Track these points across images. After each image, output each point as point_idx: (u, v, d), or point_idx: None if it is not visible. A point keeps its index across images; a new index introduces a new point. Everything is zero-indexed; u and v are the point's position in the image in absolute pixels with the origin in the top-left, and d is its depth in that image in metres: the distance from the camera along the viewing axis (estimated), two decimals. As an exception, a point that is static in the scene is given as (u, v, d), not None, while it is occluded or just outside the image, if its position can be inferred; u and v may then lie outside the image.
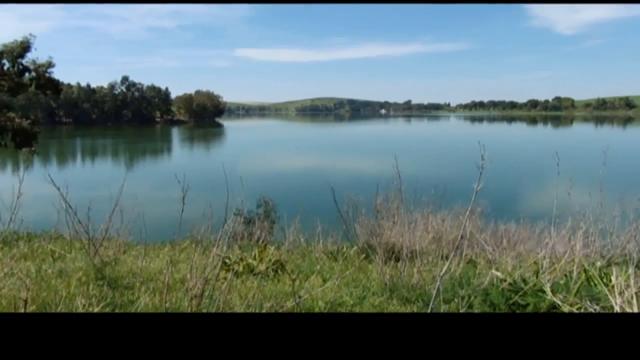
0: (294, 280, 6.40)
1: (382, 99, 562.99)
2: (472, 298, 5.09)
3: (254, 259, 7.35)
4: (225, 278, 5.43)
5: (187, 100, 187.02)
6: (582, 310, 4.73)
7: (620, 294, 4.61)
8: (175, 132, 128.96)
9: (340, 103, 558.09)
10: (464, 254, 6.45)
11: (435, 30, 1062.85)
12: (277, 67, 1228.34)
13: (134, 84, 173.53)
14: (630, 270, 5.21)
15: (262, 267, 6.99)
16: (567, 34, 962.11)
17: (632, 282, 4.44)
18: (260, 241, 10.56)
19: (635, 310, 4.28)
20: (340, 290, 5.66)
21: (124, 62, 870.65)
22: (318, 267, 7.35)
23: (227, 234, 5.11)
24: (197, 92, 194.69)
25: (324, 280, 6.31)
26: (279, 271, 7.04)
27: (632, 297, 4.34)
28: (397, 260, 6.72)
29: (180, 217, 5.20)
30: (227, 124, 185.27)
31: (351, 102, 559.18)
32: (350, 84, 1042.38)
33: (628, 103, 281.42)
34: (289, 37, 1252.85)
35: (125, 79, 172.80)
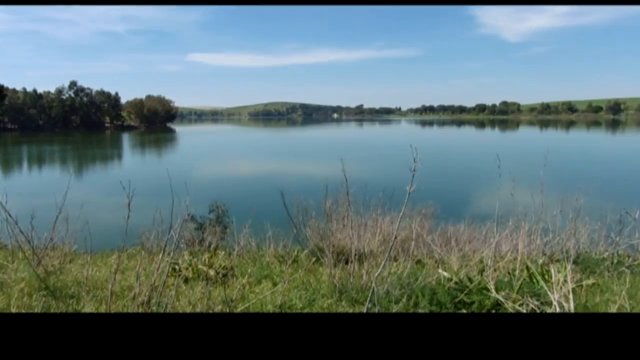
0: (243, 286, 6.39)
1: (334, 104, 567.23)
2: (420, 297, 5.19)
3: (204, 264, 7.28)
4: (174, 284, 5.37)
5: (137, 106, 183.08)
6: (524, 306, 4.89)
7: (558, 289, 4.80)
8: (126, 138, 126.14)
9: (293, 108, 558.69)
10: (411, 254, 6.58)
11: (387, 37, 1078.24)
12: (229, 71, 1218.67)
13: (82, 89, 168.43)
14: (569, 266, 5.43)
15: (212, 273, 6.94)
16: (514, 41, 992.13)
17: (569, 278, 4.63)
18: (212, 246, 10.45)
19: (572, 304, 4.46)
20: (290, 293, 5.68)
21: (73, 66, 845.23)
22: (268, 271, 7.35)
23: (174, 240, 5.04)
24: (148, 97, 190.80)
25: (274, 284, 6.31)
26: (229, 276, 7.01)
27: (568, 292, 4.53)
28: (347, 262, 6.78)
29: (127, 223, 5.10)
30: (180, 129, 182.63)
31: (304, 106, 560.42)
32: (303, 88, 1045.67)
33: (570, 107, 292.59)
34: (241, 42, 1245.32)
35: (73, 83, 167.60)
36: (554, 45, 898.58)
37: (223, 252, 9.20)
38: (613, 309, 4.44)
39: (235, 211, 15.14)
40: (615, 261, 7.47)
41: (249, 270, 7.55)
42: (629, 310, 4.46)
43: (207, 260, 7.49)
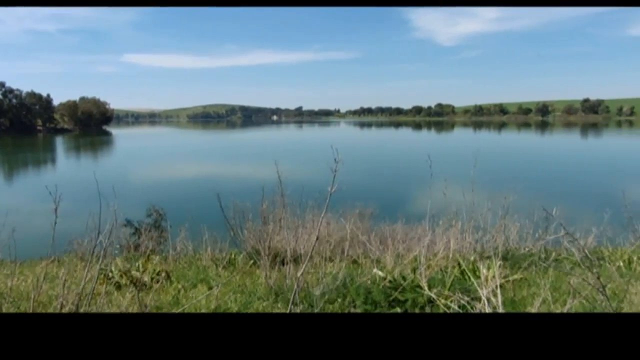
0: (178, 290, 6.28)
1: (274, 106, 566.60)
2: (355, 297, 5.25)
3: (137, 270, 7.10)
4: (106, 292, 5.20)
5: (71, 108, 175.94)
6: (455, 303, 5.03)
7: (487, 285, 4.96)
8: (60, 141, 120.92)
9: (232, 110, 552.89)
10: (346, 254, 6.65)
11: (325, 39, 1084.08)
12: (166, 73, 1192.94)
13: (11, 90, 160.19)
14: (497, 263, 5.62)
15: (146, 278, 6.77)
16: (447, 45, 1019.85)
17: (497, 273, 4.79)
18: (149, 251, 10.20)
19: (500, 299, 4.62)
20: (225, 296, 5.61)
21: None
22: (204, 275, 7.25)
23: (103, 246, 4.87)
24: (82, 99, 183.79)
25: (210, 288, 6.22)
26: (164, 281, 6.86)
27: (496, 288, 4.68)
28: (284, 264, 6.77)
29: (54, 229, 4.89)
30: (116, 131, 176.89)
31: (243, 108, 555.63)
32: (242, 90, 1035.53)
33: (502, 109, 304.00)
34: (178, 43, 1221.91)
35: (1, 84, 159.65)
36: (484, 49, 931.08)
37: (158, 257, 9.00)
38: (537, 302, 4.62)
39: (173, 215, 14.83)
40: (542, 256, 7.81)
41: (185, 275, 7.43)
42: (551, 302, 4.66)
43: (141, 265, 7.31)
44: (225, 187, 29.22)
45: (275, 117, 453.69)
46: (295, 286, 4.38)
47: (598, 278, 3.47)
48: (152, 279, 6.80)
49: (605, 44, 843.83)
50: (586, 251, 4.42)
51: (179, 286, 6.38)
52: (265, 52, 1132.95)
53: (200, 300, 5.26)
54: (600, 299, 5.57)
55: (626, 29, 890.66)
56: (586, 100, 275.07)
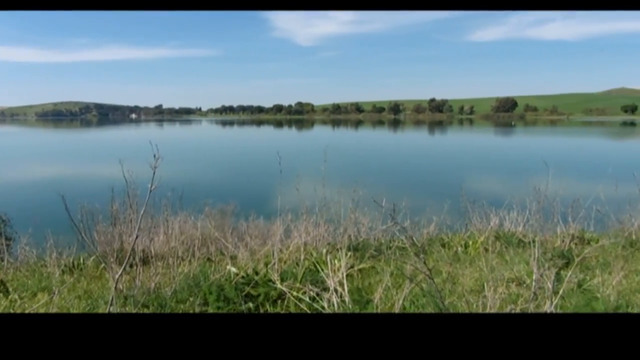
0: (15, 300, 5.77)
1: (132, 104, 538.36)
2: (208, 295, 5.19)
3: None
4: None
5: None
6: (306, 295, 5.18)
7: (335, 275, 5.19)
8: None
9: (86, 108, 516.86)
10: (201, 253, 6.57)
11: (184, 36, 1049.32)
12: (9, 67, 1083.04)
13: None
14: (344, 253, 5.89)
15: (-23, 290, 6.12)
16: (306, 45, 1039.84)
17: (343, 264, 5.03)
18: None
19: (346, 288, 4.86)
20: (67, 303, 5.27)
21: None
22: (47, 282, 6.74)
23: None
24: None
25: (51, 296, 5.80)
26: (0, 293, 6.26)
27: (343, 278, 4.92)
28: (137, 265, 6.52)
29: None
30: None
31: (99, 106, 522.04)
32: (97, 87, 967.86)
33: (358, 108, 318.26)
34: (20, 35, 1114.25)
35: None
36: (341, 50, 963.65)
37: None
38: (381, 289, 4.92)
39: (15, 220, 13.59)
40: (391, 245, 8.30)
41: (24, 284, 6.86)
42: (391, 288, 4.98)
43: (-31, 277, 6.59)
44: (76, 188, 27.40)
45: (134, 116, 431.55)
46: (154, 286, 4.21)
47: (425, 263, 3.77)
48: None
49: (448, 48, 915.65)
50: (414, 239, 4.78)
51: (15, 296, 5.87)
52: (119, 48, 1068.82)
53: (37, 309, 4.88)
54: (436, 282, 6.06)
55: (466, 36, 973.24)
56: (432, 100, 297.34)
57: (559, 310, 4.05)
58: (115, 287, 5.55)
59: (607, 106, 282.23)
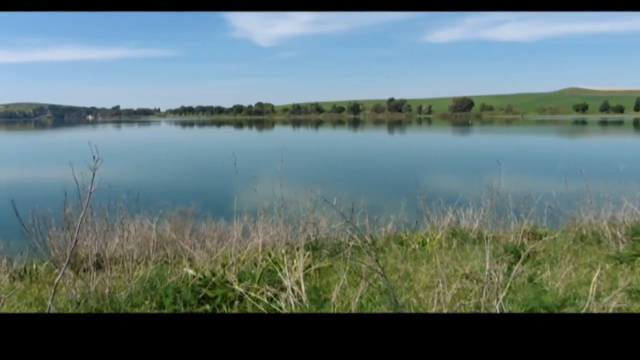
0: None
1: (89, 105, 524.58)
2: (164, 297, 5.13)
3: None
4: None
5: None
6: (264, 296, 5.18)
7: (292, 275, 5.20)
8: None
9: (40, 109, 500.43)
10: (158, 255, 6.48)
11: (141, 36, 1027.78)
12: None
13: None
14: (304, 252, 5.92)
15: None
16: (265, 45, 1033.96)
17: (300, 264, 5.05)
18: None
19: (303, 288, 4.88)
20: (18, 310, 5.13)
21: None
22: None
23: None
24: None
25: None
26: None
27: (300, 277, 4.94)
28: (94, 270, 6.38)
29: None
30: None
31: (53, 107, 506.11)
32: (52, 88, 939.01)
33: (318, 108, 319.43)
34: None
35: None
36: (300, 50, 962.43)
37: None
38: (338, 288, 4.95)
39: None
40: (348, 244, 8.36)
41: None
42: (347, 287, 5.02)
43: None
44: (28, 193, 26.57)
45: (90, 117, 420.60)
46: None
47: (377, 261, 3.82)
48: None
49: (406, 49, 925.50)
50: (366, 237, 4.84)
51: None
52: (75, 48, 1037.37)
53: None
54: (392, 279, 6.15)
55: (424, 36, 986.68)
56: (391, 100, 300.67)
57: (507, 304, 4.17)
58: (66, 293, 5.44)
59: (559, 105, 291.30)
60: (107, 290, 5.25)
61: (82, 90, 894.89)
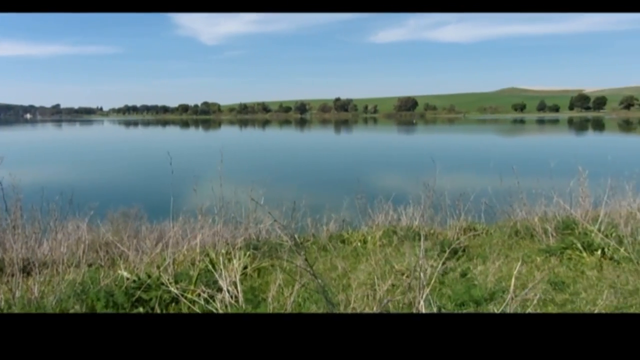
0: None
1: (26, 103, 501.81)
2: (96, 301, 5.00)
3: None
4: None
5: None
6: (201, 297, 5.11)
7: (229, 275, 5.16)
8: None
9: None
10: (91, 258, 6.30)
11: (79, 32, 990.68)
12: None
13: None
14: (244, 252, 5.88)
15: None
16: (210, 44, 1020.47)
17: (236, 264, 5.02)
18: None
19: (239, 288, 4.85)
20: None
21: None
22: None
23: None
24: None
25: None
26: None
27: (236, 278, 4.92)
28: (22, 274, 6.14)
29: None
30: None
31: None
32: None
33: (265, 107, 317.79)
34: None
35: None
36: (246, 49, 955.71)
37: None
38: (274, 288, 4.95)
39: None
40: (287, 243, 8.37)
41: None
42: (283, 287, 5.03)
43: None
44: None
45: (28, 116, 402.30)
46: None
47: (306, 260, 3.85)
48: None
49: (351, 49, 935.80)
50: (295, 237, 4.86)
51: None
52: (11, 44, 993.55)
53: None
54: (331, 277, 6.20)
55: (368, 37, 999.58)
56: (338, 100, 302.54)
57: (437, 298, 4.28)
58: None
59: (499, 105, 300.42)
60: (33, 296, 5.06)
61: (20, 88, 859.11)
